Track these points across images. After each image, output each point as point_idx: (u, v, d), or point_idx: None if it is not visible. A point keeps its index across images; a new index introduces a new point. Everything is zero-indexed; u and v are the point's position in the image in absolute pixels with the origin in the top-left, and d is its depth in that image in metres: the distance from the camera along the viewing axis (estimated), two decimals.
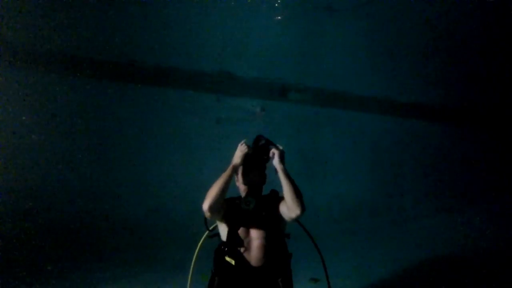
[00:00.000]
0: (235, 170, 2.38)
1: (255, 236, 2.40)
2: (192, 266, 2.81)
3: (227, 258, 2.40)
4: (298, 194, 2.26)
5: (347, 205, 7.81)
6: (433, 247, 5.96)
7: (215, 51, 7.04)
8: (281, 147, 2.44)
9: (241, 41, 7.19)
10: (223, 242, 2.45)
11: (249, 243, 2.39)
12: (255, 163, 2.47)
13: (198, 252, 2.78)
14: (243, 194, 2.49)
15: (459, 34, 8.99)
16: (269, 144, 2.48)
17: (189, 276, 2.83)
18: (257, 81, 7.41)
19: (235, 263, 2.36)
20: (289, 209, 2.27)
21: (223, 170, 2.35)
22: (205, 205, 2.22)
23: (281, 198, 2.41)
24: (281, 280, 2.43)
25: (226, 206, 2.41)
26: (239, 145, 2.43)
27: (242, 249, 2.38)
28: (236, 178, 2.54)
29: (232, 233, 2.39)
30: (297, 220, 2.34)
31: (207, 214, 2.25)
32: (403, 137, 9.14)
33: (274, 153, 2.40)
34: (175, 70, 6.77)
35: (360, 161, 8.42)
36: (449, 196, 9.06)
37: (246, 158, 2.41)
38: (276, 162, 2.39)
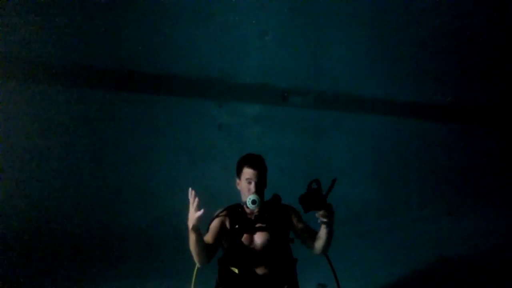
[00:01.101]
0: (195, 230, 2.03)
1: (260, 242, 2.35)
2: (194, 275, 2.77)
3: (231, 267, 2.35)
4: (328, 245, 2.26)
5: (353, 207, 7.76)
6: (442, 249, 5.89)
7: (216, 56, 7.05)
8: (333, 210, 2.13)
9: (242, 45, 7.20)
10: (226, 250, 2.42)
11: (253, 250, 2.34)
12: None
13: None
14: (245, 195, 2.38)
15: (463, 30, 8.94)
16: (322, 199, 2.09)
17: (192, 286, 2.79)
18: (259, 86, 7.41)
19: (239, 271, 2.32)
20: (312, 247, 2.33)
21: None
22: (199, 265, 2.23)
23: (292, 213, 2.43)
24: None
25: (227, 216, 2.39)
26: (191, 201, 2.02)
27: (246, 257, 2.34)
28: (237, 182, 2.48)
29: (235, 240, 2.35)
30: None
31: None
32: (408, 137, 9.09)
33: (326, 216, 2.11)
34: (175, 77, 6.77)
35: (365, 162, 8.38)
36: (457, 197, 8.98)
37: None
38: (326, 226, 2.16)
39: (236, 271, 2.32)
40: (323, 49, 8.15)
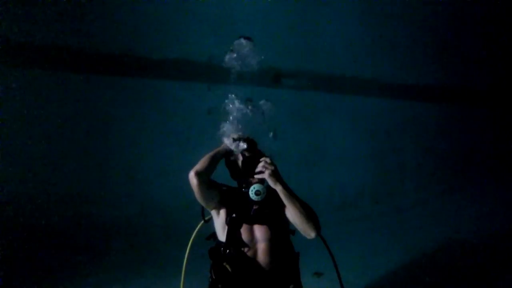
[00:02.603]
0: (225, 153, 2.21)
1: (260, 235, 2.08)
2: (184, 267, 2.57)
3: (226, 265, 2.06)
4: (308, 215, 1.96)
5: (348, 192, 7.62)
6: (439, 231, 5.80)
7: (204, 38, 6.76)
8: (268, 161, 2.03)
9: (230, 26, 6.91)
10: (221, 243, 2.12)
11: (254, 244, 2.07)
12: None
13: (189, 249, 2.51)
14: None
15: (458, 10, 8.79)
16: (256, 156, 2.10)
17: (182, 278, 2.57)
18: (251, 67, 7.14)
19: (238, 269, 2.03)
20: (301, 230, 2.03)
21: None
22: (192, 172, 1.93)
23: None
24: (293, 287, 2.14)
25: (223, 192, 2.13)
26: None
27: (246, 252, 2.05)
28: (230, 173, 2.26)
29: (234, 232, 2.06)
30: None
31: (192, 182, 1.93)
32: (404, 119, 8.93)
33: (264, 173, 2.00)
34: (162, 60, 6.50)
35: (360, 146, 8.21)
36: (453, 178, 8.89)
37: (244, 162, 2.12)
38: (271, 183, 2.00)
39: (229, 269, 2.05)
40: (316, 28, 7.87)
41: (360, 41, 8.25)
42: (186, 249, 2.52)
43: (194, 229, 2.50)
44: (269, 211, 2.12)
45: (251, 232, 2.09)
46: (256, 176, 2.05)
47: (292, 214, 1.99)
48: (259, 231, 2.08)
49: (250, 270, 2.05)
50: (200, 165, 2.00)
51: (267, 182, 2.04)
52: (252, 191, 2.02)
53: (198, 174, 1.93)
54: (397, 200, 7.76)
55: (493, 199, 7.74)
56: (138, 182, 6.09)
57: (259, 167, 2.02)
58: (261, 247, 2.07)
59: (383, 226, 6.29)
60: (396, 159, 8.72)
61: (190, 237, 2.51)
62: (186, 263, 2.54)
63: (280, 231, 2.12)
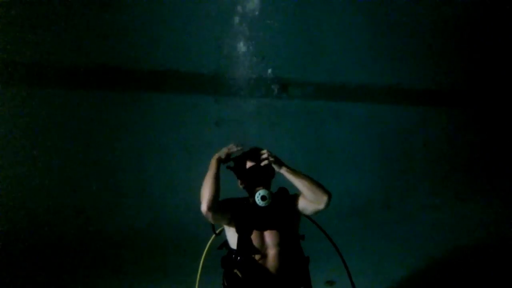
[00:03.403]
0: (219, 163, 2.22)
1: (271, 241, 2.14)
2: (198, 278, 2.61)
3: (236, 271, 2.12)
4: (316, 183, 2.07)
5: (358, 199, 7.58)
6: (453, 237, 5.73)
7: (211, 51, 6.86)
8: (269, 152, 2.22)
9: (237, 38, 7.02)
10: (233, 250, 2.18)
11: (265, 250, 2.13)
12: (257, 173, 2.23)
13: (203, 261, 2.55)
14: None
15: (465, 15, 8.78)
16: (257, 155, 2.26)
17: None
18: (256, 79, 7.23)
19: (249, 275, 2.09)
20: (314, 201, 2.08)
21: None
22: (203, 207, 1.98)
23: (296, 196, 2.22)
24: None
25: (232, 207, 2.18)
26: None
27: (257, 258, 2.11)
28: (239, 181, 2.34)
29: (244, 239, 2.12)
30: (326, 208, 2.12)
31: (209, 216, 2.01)
32: (412, 125, 8.89)
33: (266, 160, 2.17)
34: (170, 73, 6.60)
35: (369, 153, 8.19)
36: (464, 184, 8.78)
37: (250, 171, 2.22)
38: (276, 168, 2.17)
39: (240, 275, 2.11)
40: (321, 38, 7.94)
41: (367, 48, 8.30)
42: (198, 261, 2.56)
43: (205, 240, 2.54)
44: (278, 217, 2.18)
45: (262, 238, 2.15)
46: (262, 164, 2.18)
47: (301, 188, 2.09)
48: (269, 237, 2.14)
49: (260, 275, 2.10)
50: (206, 196, 2.01)
51: (268, 190, 2.16)
52: (258, 197, 2.09)
53: (209, 208, 1.99)
54: (408, 206, 7.69)
55: (506, 204, 7.62)
56: (149, 194, 6.16)
57: (262, 157, 2.18)
58: (272, 252, 2.12)
59: (394, 232, 6.23)
60: (405, 164, 8.67)
61: (201, 248, 2.55)
62: (200, 273, 2.57)
63: (290, 236, 2.17)
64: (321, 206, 2.06)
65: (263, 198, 2.09)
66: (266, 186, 2.22)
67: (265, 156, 2.17)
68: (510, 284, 4.06)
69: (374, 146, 8.30)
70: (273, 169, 2.19)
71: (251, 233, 2.13)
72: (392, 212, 7.45)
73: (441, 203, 7.89)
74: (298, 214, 2.21)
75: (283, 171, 2.13)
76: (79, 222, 5.64)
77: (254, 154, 2.26)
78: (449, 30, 9.02)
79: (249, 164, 2.23)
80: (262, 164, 2.16)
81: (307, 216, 2.35)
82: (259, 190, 2.13)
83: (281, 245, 2.13)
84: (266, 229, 2.15)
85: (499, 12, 9.09)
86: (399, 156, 8.59)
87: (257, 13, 7.18)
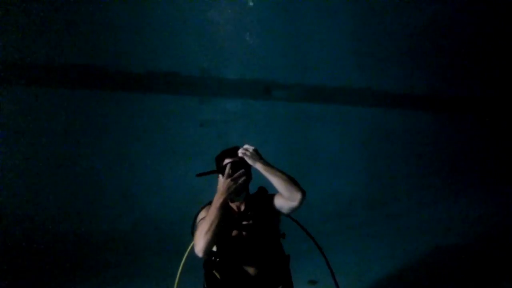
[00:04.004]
0: (224, 205, 1.98)
1: (250, 240, 2.14)
2: (177, 280, 2.58)
3: (215, 272, 2.11)
4: (291, 179, 2.03)
5: (341, 200, 7.67)
6: (433, 238, 5.85)
7: (196, 52, 6.85)
8: (246, 146, 2.19)
9: (222, 40, 7.02)
10: (212, 252, 2.14)
11: (243, 250, 2.13)
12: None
13: (183, 264, 2.52)
14: None
15: (453, 19, 8.97)
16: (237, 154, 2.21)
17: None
18: (240, 80, 7.23)
19: (227, 275, 2.09)
20: (288, 198, 2.03)
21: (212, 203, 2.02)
22: (200, 252, 1.86)
23: (272, 194, 2.21)
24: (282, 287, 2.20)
25: None
26: (224, 180, 2.08)
27: (236, 258, 2.11)
28: (219, 179, 2.25)
29: (224, 241, 2.10)
30: (300, 206, 2.04)
31: (202, 256, 1.92)
32: (394, 128, 9.05)
33: (244, 155, 2.13)
34: (155, 74, 6.55)
35: (352, 155, 8.30)
36: (445, 184, 9.00)
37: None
38: (251, 163, 2.12)
39: (218, 276, 2.10)
40: (306, 41, 8.01)
41: (351, 52, 8.42)
42: (179, 263, 2.54)
43: (187, 242, 2.53)
44: (255, 213, 2.18)
45: (240, 237, 2.14)
46: (238, 157, 2.16)
47: (276, 184, 2.03)
48: (248, 235, 2.14)
49: (238, 275, 2.10)
50: (207, 242, 1.87)
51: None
52: (227, 168, 2.11)
53: (206, 253, 1.90)
54: (390, 207, 7.82)
55: (484, 203, 7.85)
56: (132, 196, 6.08)
57: (239, 154, 2.14)
58: (251, 251, 2.12)
59: (377, 233, 6.33)
60: (388, 166, 8.82)
61: (182, 250, 2.53)
62: (180, 275, 2.55)
63: (270, 235, 2.18)
64: (295, 203, 2.03)
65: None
66: (244, 188, 2.19)
67: (240, 152, 2.16)
68: (490, 280, 4.18)
69: (358, 148, 8.42)
70: (249, 167, 2.19)
71: (230, 234, 2.13)
72: (375, 212, 7.57)
73: (421, 204, 8.06)
74: (276, 212, 2.23)
75: (258, 166, 2.09)
76: (59, 225, 5.52)
77: (232, 151, 2.28)
78: (431, 37, 9.22)
79: (227, 160, 2.25)
80: (238, 157, 2.15)
81: (289, 216, 2.36)
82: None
83: (261, 244, 2.14)
84: (245, 229, 2.15)
85: (487, 18, 9.33)
86: (382, 158, 8.73)
87: (244, 14, 7.22)
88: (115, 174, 6.10)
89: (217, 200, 1.96)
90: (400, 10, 8.54)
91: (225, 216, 1.94)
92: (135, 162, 6.25)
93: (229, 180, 2.04)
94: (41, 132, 5.67)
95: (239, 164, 2.18)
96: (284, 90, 7.76)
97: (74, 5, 5.83)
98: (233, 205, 2.23)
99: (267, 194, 2.28)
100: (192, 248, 2.45)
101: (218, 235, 1.89)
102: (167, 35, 6.65)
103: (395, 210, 7.68)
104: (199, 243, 1.86)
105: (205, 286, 2.19)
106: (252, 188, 2.33)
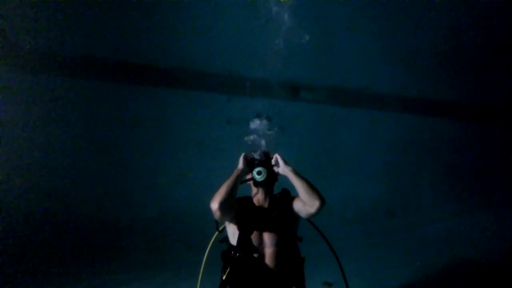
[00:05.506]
0: (242, 173, 2.33)
1: (269, 240, 2.27)
2: (201, 270, 2.73)
3: (233, 266, 2.27)
4: (313, 187, 2.18)
5: (362, 206, 7.61)
6: (453, 250, 5.73)
7: (225, 51, 6.98)
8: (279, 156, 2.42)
9: (251, 40, 7.11)
10: (232, 246, 2.32)
11: (262, 248, 2.27)
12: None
13: (207, 256, 2.68)
14: (253, 192, 2.41)
15: (479, 27, 8.69)
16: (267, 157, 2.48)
17: (199, 281, 2.76)
18: (268, 80, 7.31)
19: (246, 271, 2.24)
20: (307, 204, 2.17)
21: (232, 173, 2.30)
22: (214, 205, 2.06)
23: (294, 197, 2.33)
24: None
25: (237, 206, 2.29)
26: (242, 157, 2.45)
27: (254, 256, 2.25)
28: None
29: (244, 237, 2.25)
30: (317, 213, 2.18)
31: (216, 214, 2.09)
32: (421, 135, 8.87)
33: (277, 159, 2.38)
34: (185, 71, 6.73)
35: (376, 160, 8.21)
36: (470, 197, 8.74)
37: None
38: (282, 167, 2.34)
39: (236, 270, 2.26)
40: (335, 44, 7.98)
41: (379, 56, 8.31)
42: (202, 254, 2.69)
43: (209, 233, 2.66)
44: (278, 213, 2.32)
45: (261, 238, 2.27)
46: (275, 169, 2.39)
47: (299, 188, 2.20)
48: (268, 237, 2.27)
49: (256, 272, 2.24)
50: (223, 195, 2.09)
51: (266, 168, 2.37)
52: (254, 172, 2.31)
53: (221, 207, 2.07)
54: (411, 217, 7.70)
55: (509, 218, 7.58)
56: (157, 187, 6.32)
57: (273, 161, 2.39)
58: (269, 251, 2.26)
59: (396, 241, 6.26)
60: (413, 174, 8.66)
61: (205, 241, 2.69)
62: (204, 266, 2.70)
63: (288, 237, 2.30)
64: (313, 210, 2.15)
65: (259, 172, 2.28)
66: (269, 188, 2.38)
67: (274, 160, 2.39)
68: None
69: (383, 155, 8.33)
70: (277, 173, 2.38)
71: (251, 233, 2.26)
72: (396, 220, 7.48)
73: (443, 216, 7.88)
74: (295, 216, 2.33)
75: (289, 170, 2.29)
76: (90, 212, 5.83)
77: (265, 158, 2.46)
78: (462, 43, 8.93)
79: (257, 169, 2.36)
80: (275, 169, 2.37)
81: (308, 220, 2.46)
82: (257, 168, 2.33)
83: (279, 245, 2.26)
84: (265, 230, 2.28)
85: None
86: (406, 165, 8.59)
87: (273, 15, 7.26)
88: (143, 166, 6.34)
89: (236, 171, 2.29)
90: (436, 12, 8.31)
91: (239, 180, 2.24)
92: (162, 155, 6.47)
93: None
94: (74, 123, 5.98)
95: (268, 169, 2.36)
96: (311, 92, 7.78)
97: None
98: (256, 201, 2.37)
99: (289, 196, 2.40)
100: (215, 241, 2.62)
101: (235, 193, 2.15)
102: (199, 33, 6.81)
103: (416, 219, 7.55)
104: (216, 196, 2.09)
105: (223, 279, 2.32)
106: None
